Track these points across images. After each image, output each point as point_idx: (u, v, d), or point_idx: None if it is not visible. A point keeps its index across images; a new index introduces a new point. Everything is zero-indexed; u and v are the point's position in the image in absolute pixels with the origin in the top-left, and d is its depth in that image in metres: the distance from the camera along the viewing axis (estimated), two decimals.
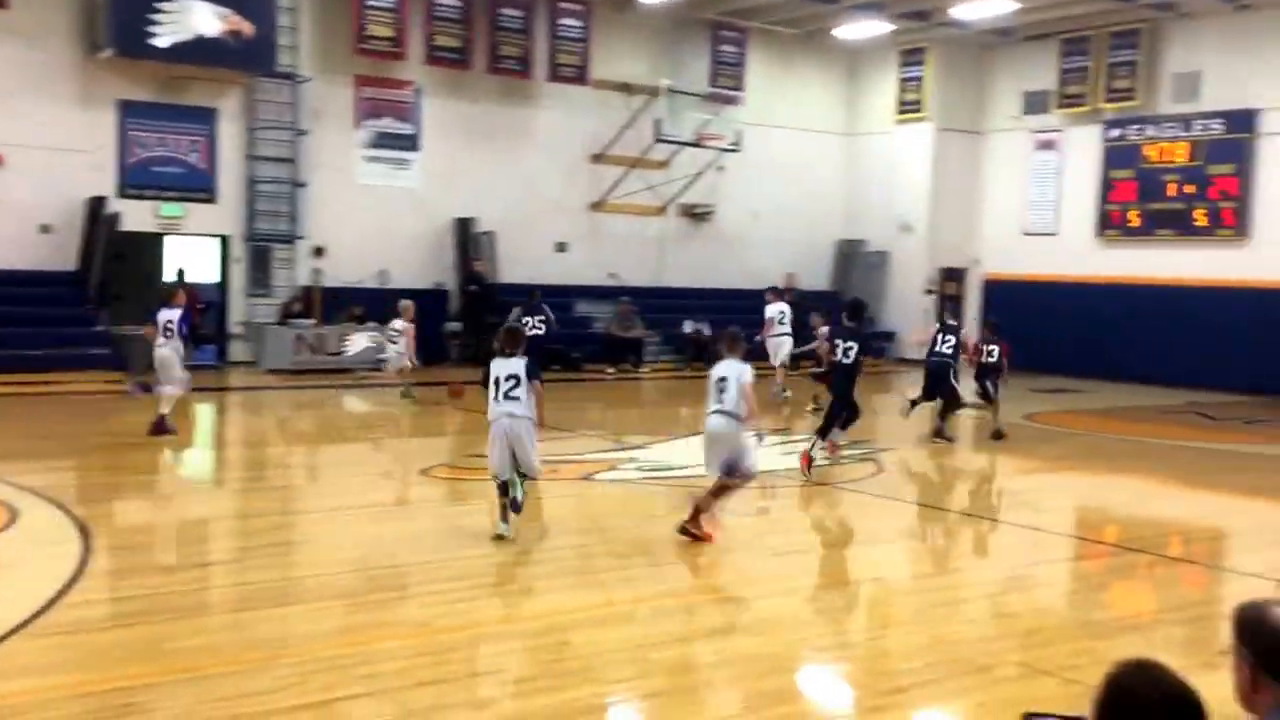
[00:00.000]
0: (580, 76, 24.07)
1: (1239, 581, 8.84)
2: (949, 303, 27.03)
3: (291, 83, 21.47)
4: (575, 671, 6.16)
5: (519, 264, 23.48)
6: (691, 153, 24.83)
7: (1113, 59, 24.61)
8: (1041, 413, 19.13)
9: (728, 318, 23.49)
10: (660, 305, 24.42)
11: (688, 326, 24.03)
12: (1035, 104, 26.26)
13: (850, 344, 12.42)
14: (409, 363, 17.42)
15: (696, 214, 26.27)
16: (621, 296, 23.68)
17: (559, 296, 23.82)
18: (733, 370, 9.12)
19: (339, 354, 21.04)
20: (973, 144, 27.45)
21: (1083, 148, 25.35)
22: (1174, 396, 19.88)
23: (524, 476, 9.24)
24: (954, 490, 13.30)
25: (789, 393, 18.30)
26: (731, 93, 25.29)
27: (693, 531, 9.07)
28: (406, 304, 17.35)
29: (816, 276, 28.18)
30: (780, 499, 12.03)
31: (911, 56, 27.08)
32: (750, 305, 24.49)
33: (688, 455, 13.60)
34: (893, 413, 19.58)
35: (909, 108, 27.23)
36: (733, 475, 9.14)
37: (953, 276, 27.71)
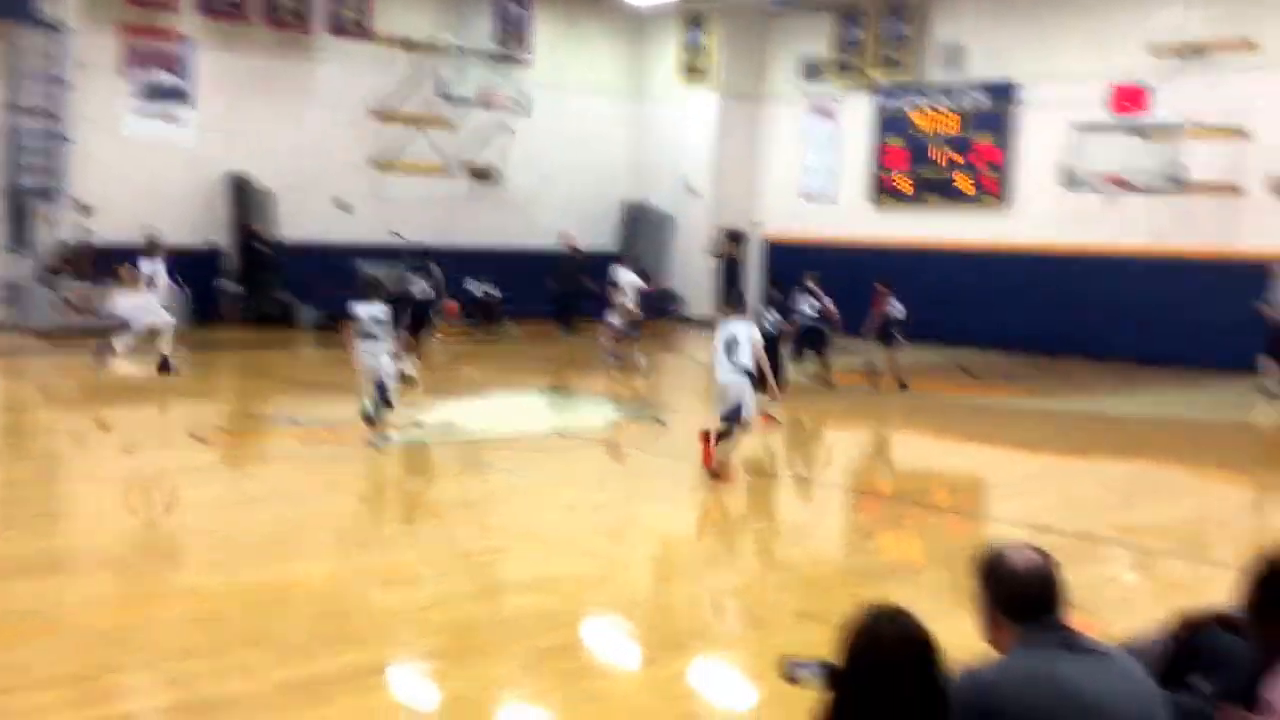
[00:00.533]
0: (361, 30, 23.40)
1: (997, 528, 9.37)
2: (733, 265, 27.67)
3: (54, 31, 20.15)
4: (353, 635, 6.04)
5: (300, 223, 22.74)
6: (479, 113, 24.51)
7: (884, 30, 25.42)
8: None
9: (517, 279, 23.55)
10: (447, 266, 24.04)
11: (476, 289, 23.81)
12: (813, 72, 26.94)
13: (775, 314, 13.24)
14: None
15: (484, 175, 25.98)
16: (422, 254, 23.18)
17: (342, 256, 23.25)
18: (743, 330, 10.32)
19: (106, 315, 19.91)
20: (755, 109, 28.00)
21: (857, 115, 26.12)
22: (943, 355, 20.84)
23: (385, 402, 11.13)
24: (737, 448, 13.57)
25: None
26: (518, 54, 25.04)
27: (720, 475, 10.19)
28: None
29: (604, 238, 28.34)
30: (568, 459, 12.07)
31: (695, 22, 27.38)
32: (538, 267, 24.56)
33: (476, 417, 13.55)
34: (679, 373, 19.93)
35: (693, 73, 27.57)
36: (740, 421, 10.21)
37: (736, 239, 28.29)
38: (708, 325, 20.92)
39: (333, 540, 8.10)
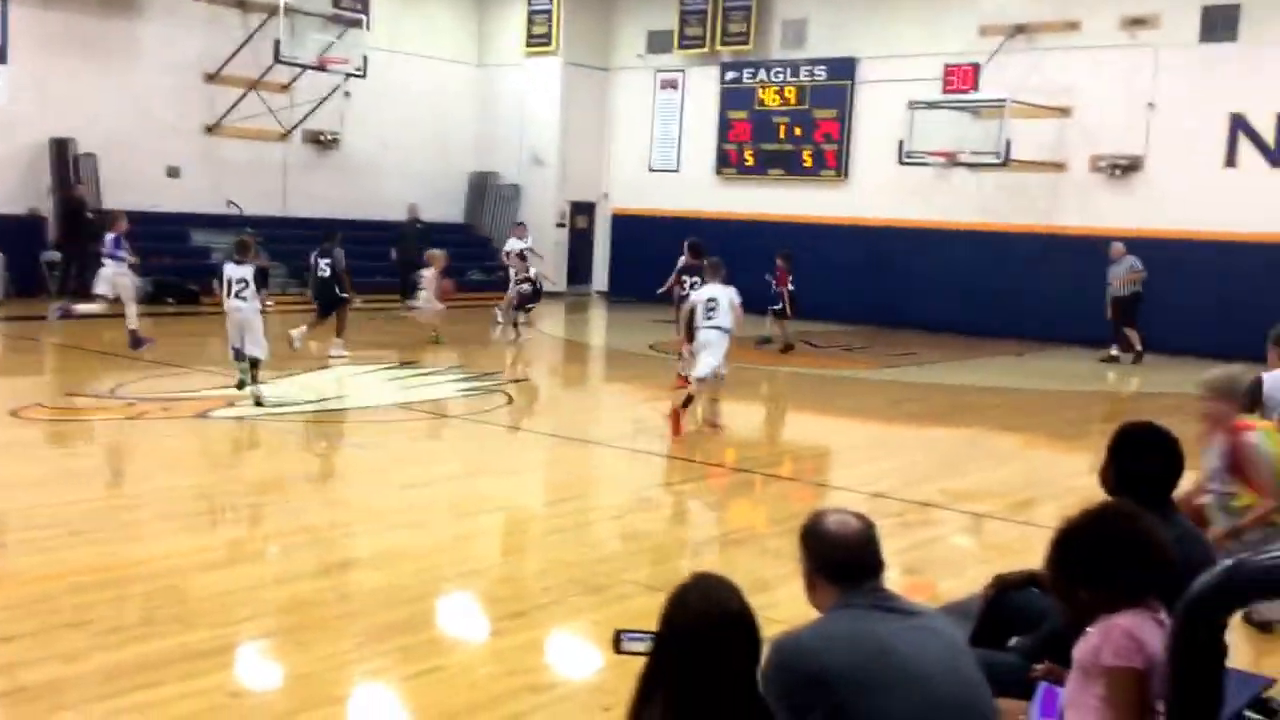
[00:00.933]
0: None
1: (837, 495, 9.61)
2: (581, 236, 27.66)
3: None
4: (187, 616, 5.86)
5: (127, 189, 21.83)
6: (315, 76, 23.83)
7: (728, 3, 25.59)
8: (665, 341, 19.91)
9: (358, 248, 23.00)
10: (285, 236, 23.42)
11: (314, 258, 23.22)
12: (659, 43, 27.04)
13: (696, 278, 13.80)
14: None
15: (322, 141, 25.35)
16: (245, 228, 22.47)
17: (173, 224, 22.43)
18: (722, 293, 11.47)
19: None
20: (601, 80, 27.97)
21: (702, 88, 26.38)
22: (787, 327, 21.18)
23: (253, 363, 11.77)
24: (583, 419, 13.63)
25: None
26: (356, 15, 24.39)
27: (715, 422, 11.78)
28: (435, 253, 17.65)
29: (449, 208, 28.00)
30: (413, 432, 11.93)
31: None
32: (380, 236, 24.12)
33: (313, 389, 13.26)
34: (536, 345, 19.83)
35: (538, 40, 27.34)
36: (719, 377, 11.56)
37: (583, 210, 28.27)
38: (557, 297, 20.88)
39: (168, 519, 7.84)
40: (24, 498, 8.05)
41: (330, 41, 23.30)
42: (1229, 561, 1.74)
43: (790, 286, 19.08)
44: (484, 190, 28.30)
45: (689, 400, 11.51)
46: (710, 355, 11.36)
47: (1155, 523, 3.20)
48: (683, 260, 16.75)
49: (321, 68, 23.24)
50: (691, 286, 14.12)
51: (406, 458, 10.37)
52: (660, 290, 17.39)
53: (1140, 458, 3.96)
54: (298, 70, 23.50)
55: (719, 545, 8.10)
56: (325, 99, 24.40)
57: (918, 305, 22.95)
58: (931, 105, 21.39)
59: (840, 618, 3.08)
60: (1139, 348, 18.65)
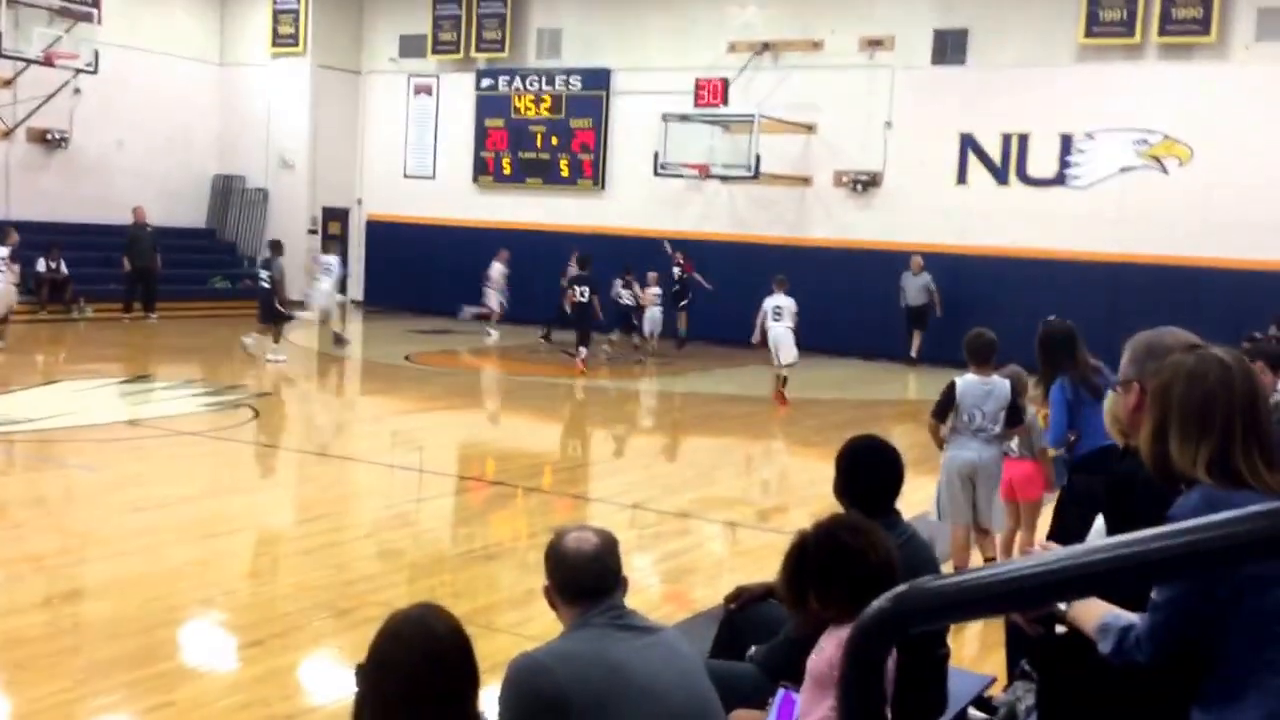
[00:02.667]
0: None
1: (593, 506, 9.68)
2: (333, 242, 26.92)
3: None
4: None
5: None
6: (41, 72, 22.39)
7: (482, 10, 25.44)
8: (421, 353, 19.64)
9: (88, 255, 21.77)
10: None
11: (41, 264, 21.82)
12: (412, 48, 26.63)
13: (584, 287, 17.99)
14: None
15: (49, 140, 23.84)
16: None
17: None
18: (786, 302, 15.43)
19: None
20: (353, 83, 27.35)
21: (458, 94, 26.11)
22: (536, 336, 21.19)
23: None
24: (333, 433, 13.27)
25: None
26: (85, 9, 23.05)
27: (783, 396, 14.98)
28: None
29: (192, 212, 26.80)
30: (141, 451, 11.32)
31: None
32: (115, 240, 22.83)
33: (40, 407, 12.43)
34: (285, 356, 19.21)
35: (284, 41, 26.48)
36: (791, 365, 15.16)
37: (336, 216, 27.55)
38: (299, 305, 20.26)
39: None
40: None
41: (58, 36, 22.01)
42: (901, 587, 1.79)
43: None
44: (229, 194, 27.21)
45: (785, 381, 15.12)
46: (787, 347, 15.15)
47: (879, 533, 3.32)
48: (572, 270, 18.79)
49: (48, 62, 21.89)
50: (581, 295, 17.98)
51: (140, 478, 9.83)
52: (561, 305, 18.95)
53: (865, 471, 4.13)
54: (22, 65, 22.03)
55: (475, 560, 8.00)
56: (52, 95, 22.96)
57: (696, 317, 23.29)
58: (684, 118, 21.84)
59: (577, 637, 3.11)
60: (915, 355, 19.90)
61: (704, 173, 21.90)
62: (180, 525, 8.32)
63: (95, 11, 23.09)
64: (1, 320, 16.78)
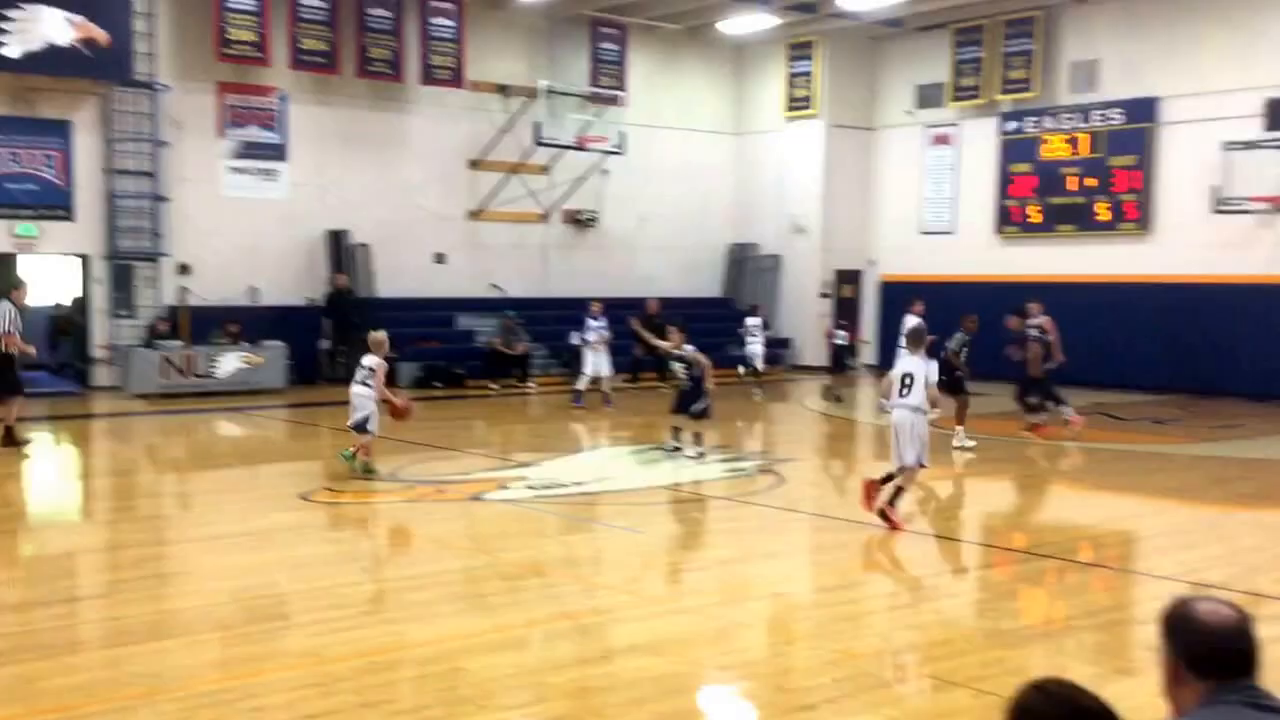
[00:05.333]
0: (454, 79, 24.05)
1: (1151, 584, 9.11)
2: (847, 306, 27.50)
3: (150, 91, 21.14)
4: (469, 699, 6.20)
5: (397, 277, 23.40)
6: (573, 157, 24.94)
7: (1007, 49, 25.12)
8: (944, 417, 19.56)
9: (616, 328, 23.72)
10: (545, 316, 24.45)
11: (574, 339, 24.09)
12: (929, 97, 26.80)
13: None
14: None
15: (581, 220, 26.39)
16: (505, 310, 23.65)
17: (440, 309, 23.79)
18: (918, 367, 10.64)
19: (209, 375, 20.72)
20: (866, 140, 27.94)
21: (979, 142, 25.85)
22: (1080, 397, 20.41)
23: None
24: (854, 501, 13.54)
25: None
26: (613, 92, 25.43)
27: (891, 519, 10.52)
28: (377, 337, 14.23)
29: (708, 282, 28.52)
30: (675, 514, 12.20)
31: (799, 50, 27.41)
32: (639, 314, 24.67)
33: (580, 471, 13.76)
34: (791, 422, 19.98)
35: (799, 104, 27.61)
36: (919, 464, 10.67)
37: (848, 279, 28.13)
38: (820, 371, 20.89)
39: (443, 601, 8.31)
40: (316, 579, 8.71)
41: (588, 121, 24.36)
42: None
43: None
44: (743, 262, 28.64)
45: (899, 492, 10.78)
46: (904, 440, 10.67)
47: None
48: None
49: (580, 147, 24.32)
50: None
51: (674, 540, 10.59)
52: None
53: None
54: (556, 151, 24.63)
55: (1014, 638, 7.80)
56: (583, 178, 25.45)
57: (1239, 371, 21.58)
58: (1250, 145, 20.25)
59: (1208, 715, 2.90)
60: None
61: (1277, 205, 20.21)
62: (721, 587, 8.89)
63: (623, 94, 25.40)
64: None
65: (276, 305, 22.41)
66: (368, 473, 12.89)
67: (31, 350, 15.43)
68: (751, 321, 23.23)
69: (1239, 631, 2.96)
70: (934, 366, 10.99)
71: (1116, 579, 9.67)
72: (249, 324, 21.41)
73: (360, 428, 12.94)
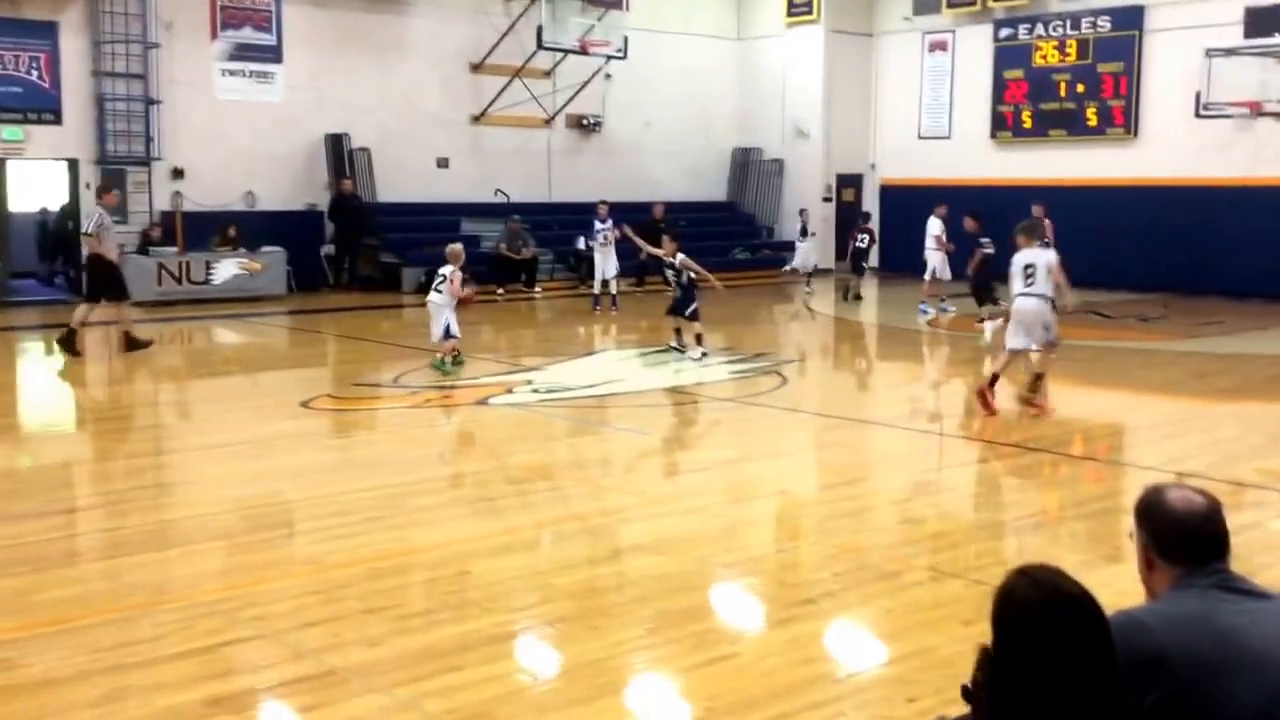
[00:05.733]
0: None
1: (1137, 475, 9.10)
2: (849, 209, 27.22)
3: None
4: (475, 602, 6.09)
5: (399, 181, 23.02)
6: (577, 61, 24.42)
7: None
8: (939, 317, 19.48)
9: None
10: (550, 221, 24.14)
11: (582, 243, 23.80)
12: (926, 4, 26.34)
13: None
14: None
15: (585, 125, 25.95)
16: (512, 214, 23.30)
17: (444, 215, 23.45)
18: (1039, 257, 11.09)
19: (206, 282, 20.43)
20: (865, 46, 27.51)
21: (975, 48, 25.59)
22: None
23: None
24: (857, 400, 13.46)
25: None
26: None
27: (1035, 403, 11.11)
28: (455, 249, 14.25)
29: (713, 186, 28.19)
30: (680, 416, 12.07)
31: None
32: (645, 219, 24.40)
33: (586, 375, 13.61)
34: (796, 323, 19.81)
35: (799, 9, 27.12)
36: (1051, 347, 11.20)
37: (849, 182, 27.88)
38: (826, 274, 20.65)
39: (448, 506, 8.19)
40: (318, 486, 8.57)
41: (591, 25, 23.82)
42: None
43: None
44: (746, 167, 28.31)
45: (995, 378, 11.21)
46: (1037, 327, 11.09)
47: None
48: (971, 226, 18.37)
49: (583, 51, 23.78)
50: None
51: (679, 442, 10.48)
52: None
53: None
54: (559, 56, 24.12)
55: (1009, 530, 7.81)
56: (587, 83, 24.97)
57: (1221, 270, 21.61)
58: (1231, 52, 20.01)
59: (1180, 598, 2.95)
60: None
61: (1256, 110, 19.98)
62: (724, 486, 8.79)
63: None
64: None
65: (275, 211, 22.03)
66: (457, 364, 13.43)
67: (114, 254, 15.27)
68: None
69: (1207, 517, 3.02)
70: (1053, 254, 11.28)
71: (1105, 470, 9.69)
72: (247, 230, 21.03)
73: (446, 334, 13.37)
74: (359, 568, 6.62)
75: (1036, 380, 11.27)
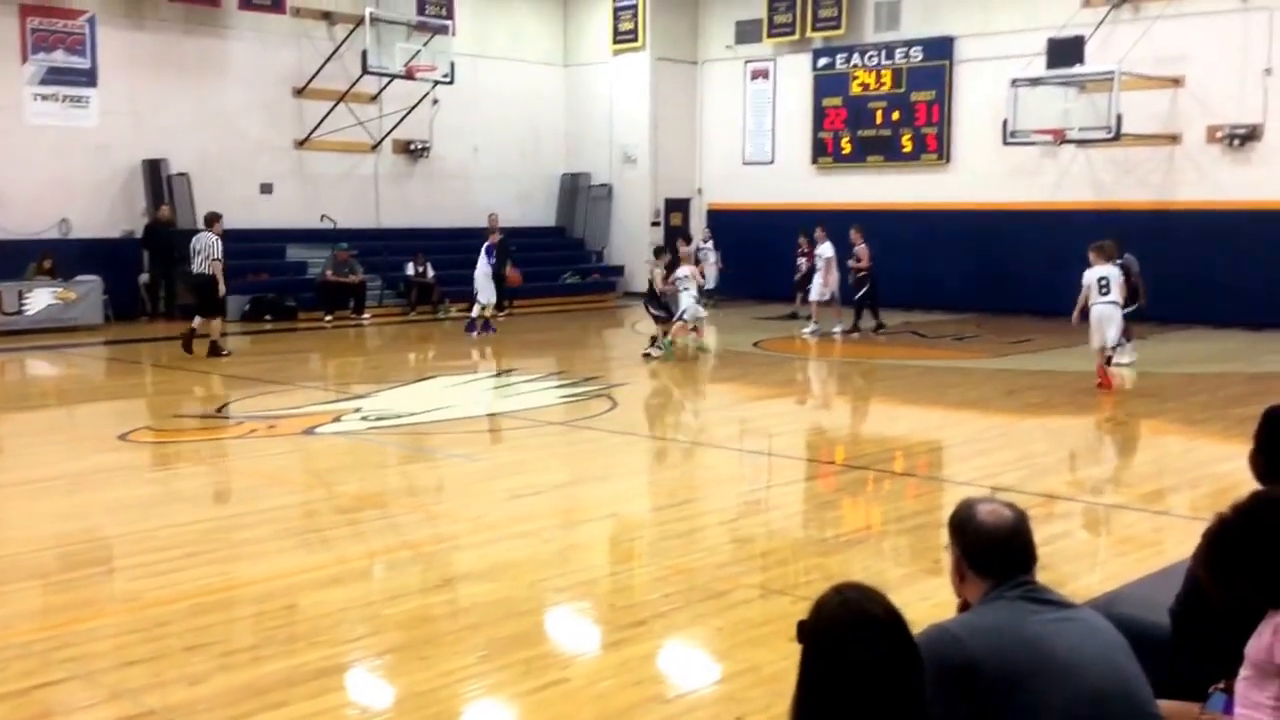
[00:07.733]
0: (276, 4, 22.97)
1: (955, 490, 9.39)
2: (676, 234, 27.52)
3: None
4: (303, 635, 5.93)
5: (220, 207, 22.25)
6: (404, 86, 24.17)
7: None
8: (768, 339, 19.83)
9: (450, 258, 23.28)
10: (378, 247, 23.78)
11: (410, 269, 23.55)
12: (747, 33, 26.94)
13: None
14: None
15: (413, 150, 25.69)
16: (339, 243, 22.85)
17: (270, 240, 22.90)
18: (1111, 271, 13.90)
19: (19, 313, 19.50)
20: (690, 73, 27.95)
21: (794, 77, 26.25)
22: (890, 317, 20.95)
23: None
24: (687, 422, 13.60)
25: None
26: (441, 21, 24.65)
27: (1104, 383, 13.92)
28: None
29: (543, 211, 28.21)
30: (511, 441, 12.01)
31: None
32: (473, 244, 24.27)
33: (416, 401, 13.42)
34: (626, 347, 19.90)
35: (624, 37, 27.40)
36: (1122, 343, 14.76)
37: (677, 207, 28.24)
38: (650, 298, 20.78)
39: (275, 538, 7.96)
40: (137, 521, 8.24)
41: (417, 50, 23.62)
42: None
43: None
44: (575, 192, 28.42)
45: (1109, 359, 14.20)
46: (1110, 327, 13.79)
47: None
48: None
49: (410, 76, 23.55)
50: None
51: (510, 467, 10.41)
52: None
53: None
54: (385, 80, 23.83)
55: (833, 546, 7.96)
56: (414, 108, 24.73)
57: (1030, 290, 22.48)
58: (1035, 82, 20.96)
59: (990, 609, 3.06)
60: None
61: (1059, 138, 20.95)
62: (556, 511, 8.77)
63: (450, 24, 24.67)
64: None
65: (91, 239, 21.19)
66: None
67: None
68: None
69: (1015, 531, 3.14)
70: (1117, 271, 13.97)
71: (924, 485, 9.98)
72: (61, 259, 20.18)
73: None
74: (181, 604, 6.39)
75: (1107, 362, 14.13)
